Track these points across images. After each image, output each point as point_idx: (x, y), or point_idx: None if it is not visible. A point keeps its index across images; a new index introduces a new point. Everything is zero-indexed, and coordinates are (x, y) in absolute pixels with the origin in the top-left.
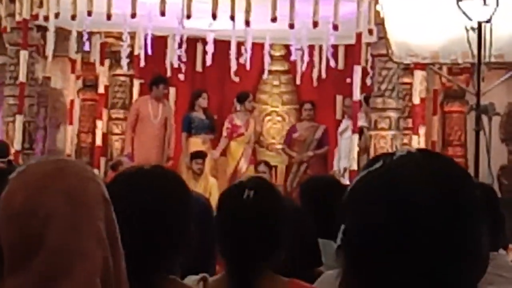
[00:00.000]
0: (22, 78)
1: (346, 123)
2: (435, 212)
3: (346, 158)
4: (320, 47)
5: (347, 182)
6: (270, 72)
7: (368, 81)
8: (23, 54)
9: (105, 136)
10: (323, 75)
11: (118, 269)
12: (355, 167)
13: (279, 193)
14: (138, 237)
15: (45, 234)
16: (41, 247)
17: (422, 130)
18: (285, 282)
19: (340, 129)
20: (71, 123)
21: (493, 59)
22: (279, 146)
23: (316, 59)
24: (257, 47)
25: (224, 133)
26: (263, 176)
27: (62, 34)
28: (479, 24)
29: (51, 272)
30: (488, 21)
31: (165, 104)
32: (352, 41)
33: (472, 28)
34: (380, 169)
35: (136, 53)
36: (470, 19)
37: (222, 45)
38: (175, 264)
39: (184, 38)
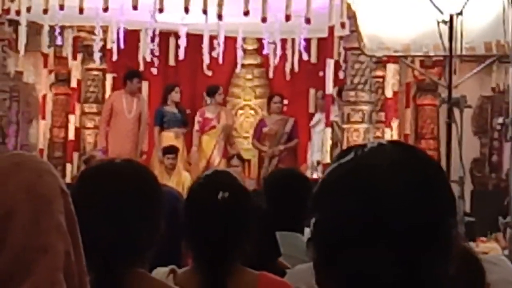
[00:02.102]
0: None
1: (318, 116)
2: (407, 204)
3: (319, 151)
4: (293, 41)
5: (321, 175)
6: (243, 65)
7: (341, 75)
8: None
9: (78, 131)
10: (296, 68)
11: (79, 261)
12: (328, 160)
13: (248, 190)
14: (106, 231)
15: (7, 232)
16: (3, 246)
17: (395, 123)
18: (255, 274)
19: (312, 122)
20: (43, 118)
21: (464, 52)
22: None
23: (288, 52)
24: (230, 41)
25: (196, 127)
26: (236, 170)
27: (34, 29)
28: (451, 16)
29: (14, 270)
30: (460, 13)
31: (140, 98)
32: (325, 34)
33: (444, 21)
34: (351, 162)
35: (108, 47)
36: (441, 12)
37: (194, 39)
38: (144, 258)
39: (157, 32)
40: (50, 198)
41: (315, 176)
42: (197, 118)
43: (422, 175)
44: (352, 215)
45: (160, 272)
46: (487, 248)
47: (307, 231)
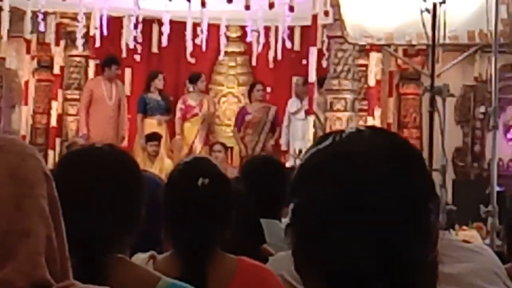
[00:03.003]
0: None
1: (296, 103)
2: (385, 188)
3: (302, 139)
4: (276, 29)
5: None
6: (226, 53)
7: (324, 63)
8: None
9: (60, 117)
10: (279, 56)
11: (61, 246)
12: None
13: (227, 177)
14: (85, 216)
15: None
16: None
17: (377, 112)
18: (234, 259)
19: (292, 109)
20: (26, 104)
21: (447, 41)
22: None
23: (272, 40)
24: (213, 29)
25: (178, 114)
26: (218, 156)
27: (16, 14)
28: (434, 5)
29: None
30: (443, 2)
31: (118, 84)
32: (308, 22)
33: (427, 10)
34: (330, 147)
35: (91, 33)
36: (424, 0)
37: (178, 26)
38: (125, 244)
39: (140, 19)
40: (33, 182)
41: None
42: (179, 106)
43: (400, 160)
44: (331, 199)
45: (140, 258)
46: (467, 236)
47: (284, 221)
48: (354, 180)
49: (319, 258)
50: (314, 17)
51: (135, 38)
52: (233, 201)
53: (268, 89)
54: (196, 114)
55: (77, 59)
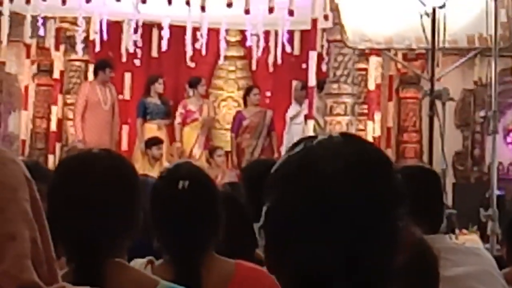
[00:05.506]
0: None
1: (295, 108)
2: (347, 195)
3: None
4: (276, 33)
5: None
6: (225, 57)
7: (324, 67)
8: None
9: (60, 122)
10: (279, 60)
11: (47, 248)
12: None
13: (210, 178)
14: (83, 221)
15: None
16: None
17: (377, 116)
18: (231, 263)
19: (290, 114)
20: (26, 109)
21: (447, 45)
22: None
23: (271, 44)
24: (213, 33)
25: (178, 119)
26: (218, 160)
27: (16, 19)
28: (433, 9)
29: None
30: (442, 6)
31: (111, 88)
32: (308, 26)
33: (426, 14)
34: (300, 152)
35: (91, 38)
36: (424, 5)
37: (177, 31)
38: (122, 248)
39: (140, 23)
40: (15, 186)
41: None
42: (180, 110)
43: (365, 168)
44: (297, 205)
45: (138, 263)
46: (467, 240)
47: None
48: (318, 187)
49: (286, 260)
50: (314, 21)
51: (135, 43)
52: (219, 201)
53: (268, 94)
54: (196, 119)
55: (77, 63)
